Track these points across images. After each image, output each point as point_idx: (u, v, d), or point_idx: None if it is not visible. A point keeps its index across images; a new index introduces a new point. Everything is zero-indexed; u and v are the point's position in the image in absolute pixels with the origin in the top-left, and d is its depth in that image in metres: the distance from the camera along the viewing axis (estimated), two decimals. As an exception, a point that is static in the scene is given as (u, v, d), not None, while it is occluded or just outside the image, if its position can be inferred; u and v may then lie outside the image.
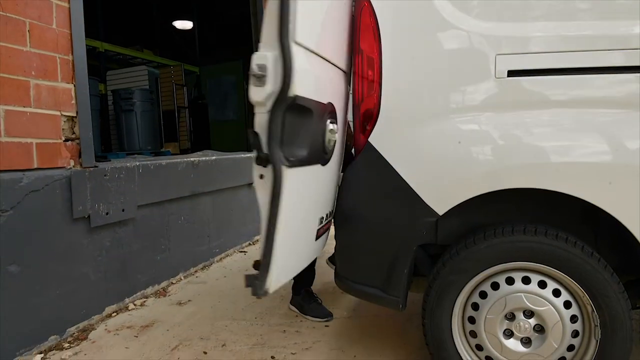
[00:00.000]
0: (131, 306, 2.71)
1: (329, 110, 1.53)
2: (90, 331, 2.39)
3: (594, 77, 1.46)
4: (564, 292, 1.53)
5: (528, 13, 1.52)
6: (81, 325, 2.43)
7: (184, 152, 7.10)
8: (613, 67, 1.45)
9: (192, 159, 3.36)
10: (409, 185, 1.56)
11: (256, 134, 1.28)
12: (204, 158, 3.51)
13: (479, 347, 1.61)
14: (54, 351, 2.18)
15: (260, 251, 1.38)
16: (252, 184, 3.92)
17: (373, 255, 1.67)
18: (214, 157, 3.65)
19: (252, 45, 5.09)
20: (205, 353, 2.13)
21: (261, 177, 1.31)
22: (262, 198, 1.33)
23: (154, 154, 5.86)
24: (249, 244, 4.23)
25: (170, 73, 7.20)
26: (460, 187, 1.53)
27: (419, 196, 1.56)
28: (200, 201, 3.51)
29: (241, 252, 4.00)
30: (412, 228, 1.60)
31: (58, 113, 2.35)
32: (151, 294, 2.91)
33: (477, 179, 1.50)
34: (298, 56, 1.28)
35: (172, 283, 3.12)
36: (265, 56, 1.25)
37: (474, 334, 1.61)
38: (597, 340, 1.49)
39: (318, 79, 1.46)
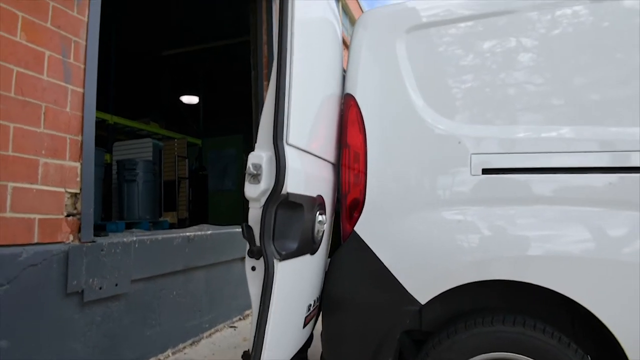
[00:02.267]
0: (116, 384, 2.66)
1: (318, 202, 1.64)
2: (72, 411, 2.34)
3: (561, 176, 1.59)
4: (544, 383, 1.55)
5: (500, 117, 1.68)
6: (64, 404, 2.38)
7: (181, 221, 7.18)
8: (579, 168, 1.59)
9: (188, 233, 3.43)
10: (392, 274, 1.64)
11: (249, 228, 1.38)
12: (199, 232, 3.59)
13: None
14: None
15: (251, 343, 1.42)
16: (244, 257, 3.94)
17: (358, 342, 1.70)
18: (209, 232, 3.73)
19: (252, 121, 5.34)
20: None
21: (253, 269, 1.39)
22: (253, 289, 1.40)
23: (152, 224, 5.93)
24: (239, 319, 4.19)
25: (174, 145, 7.48)
26: (440, 278, 1.60)
27: (401, 285, 1.63)
28: (194, 275, 3.53)
29: (231, 327, 3.95)
30: (395, 316, 1.65)
31: (63, 190, 2.46)
32: (138, 372, 2.86)
33: (457, 270, 1.58)
34: (290, 156, 1.41)
35: (159, 359, 3.08)
36: (260, 156, 1.38)
37: None
38: None
39: (308, 175, 1.58)
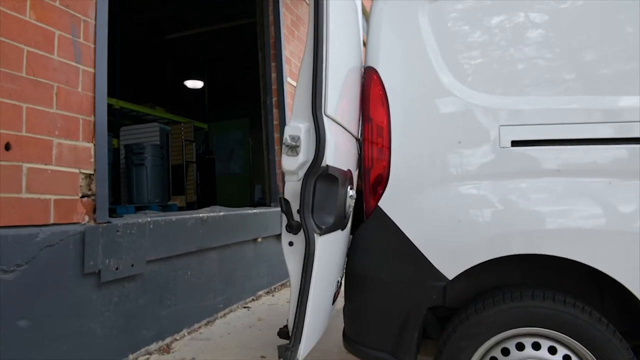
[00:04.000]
0: (134, 364, 2.67)
1: (349, 177, 1.61)
2: (93, 390, 2.35)
3: (591, 147, 1.54)
4: (574, 358, 1.53)
5: (531, 88, 1.63)
6: (84, 383, 2.39)
7: (190, 205, 7.18)
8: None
9: (201, 214, 3.42)
10: (419, 250, 1.61)
11: (287, 202, 1.35)
12: (212, 214, 3.57)
13: (491, 415, 1.59)
14: (55, 411, 2.14)
15: (291, 319, 1.39)
16: (257, 239, 3.95)
17: (384, 318, 1.68)
18: (222, 213, 3.71)
19: (259, 104, 5.28)
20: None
21: (290, 244, 1.37)
22: (292, 265, 1.37)
23: (161, 207, 5.93)
24: (252, 299, 4.20)
25: (180, 129, 7.44)
26: (469, 253, 1.57)
27: (428, 260, 1.60)
28: (207, 256, 3.53)
29: (245, 307, 3.97)
30: (422, 291, 1.62)
31: (77, 170, 2.44)
32: (155, 351, 2.87)
33: (486, 245, 1.55)
34: (327, 128, 1.37)
35: (175, 339, 3.09)
36: (298, 127, 1.34)
37: (485, 401, 1.59)
38: (609, 409, 1.47)
39: (339, 148, 1.55)
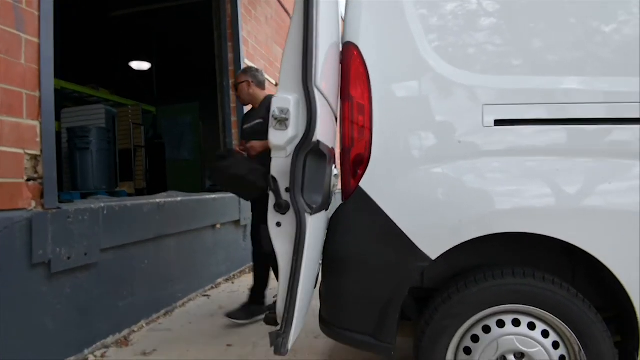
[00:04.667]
0: (91, 358, 2.50)
1: (333, 154, 1.54)
2: (45, 389, 2.17)
3: (573, 127, 1.57)
4: (552, 333, 1.57)
5: (514, 67, 1.63)
6: (35, 382, 2.20)
7: (139, 191, 6.84)
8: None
9: (158, 200, 3.23)
10: (402, 231, 1.58)
11: (275, 180, 1.26)
12: (169, 199, 3.39)
13: (472, 391, 1.60)
14: (3, 414, 1.95)
15: (281, 304, 1.31)
16: (216, 225, 3.79)
17: (364, 301, 1.64)
18: (179, 199, 3.54)
19: (209, 88, 5.08)
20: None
21: (278, 224, 1.28)
22: (281, 248, 1.29)
23: (109, 194, 5.60)
24: (212, 287, 4.07)
25: (128, 112, 7.03)
26: (451, 233, 1.56)
27: (411, 241, 1.57)
28: (165, 244, 3.36)
29: (204, 296, 3.83)
30: (405, 273, 1.60)
31: (22, 151, 2.21)
32: (112, 344, 2.70)
33: (469, 224, 1.54)
34: (317, 100, 1.29)
35: (133, 331, 2.92)
36: (287, 99, 1.26)
37: (466, 379, 1.60)
38: (585, 379, 1.52)
39: (325, 123, 1.47)
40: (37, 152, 2.30)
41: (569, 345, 1.56)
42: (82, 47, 8.24)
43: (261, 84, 3.18)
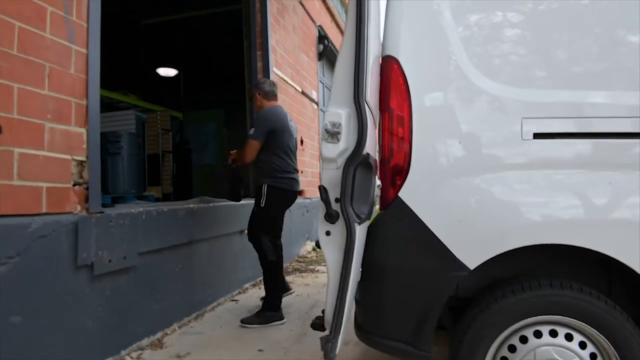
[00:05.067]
0: (127, 359, 2.58)
1: (377, 165, 1.59)
2: (87, 387, 2.25)
3: (611, 141, 1.59)
4: (589, 345, 1.58)
5: (554, 81, 1.66)
6: (78, 380, 2.29)
7: (166, 196, 6.99)
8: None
9: (191, 205, 3.33)
10: (441, 241, 1.61)
11: (325, 190, 1.31)
12: (202, 205, 3.48)
13: (509, 402, 1.62)
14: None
15: (330, 310, 1.37)
16: (243, 231, 3.92)
17: (403, 309, 1.68)
18: (211, 204, 3.63)
19: (234, 95, 5.20)
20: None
21: (328, 233, 1.34)
22: (330, 255, 1.34)
23: (137, 198, 5.74)
24: (239, 292, 4.14)
25: (157, 118, 7.21)
26: (490, 243, 1.59)
27: (450, 251, 1.60)
28: (197, 248, 3.44)
29: (233, 300, 3.90)
30: (443, 282, 1.63)
31: (69, 157, 2.32)
32: (147, 346, 2.78)
33: (508, 235, 1.57)
34: (367, 114, 1.34)
35: (167, 334, 3.00)
36: (339, 114, 1.32)
37: (504, 389, 1.62)
38: (623, 391, 1.53)
39: (370, 135, 1.53)
40: (83, 158, 2.40)
41: (606, 356, 1.57)
42: (113, 53, 8.48)
43: (267, 95, 3.42)
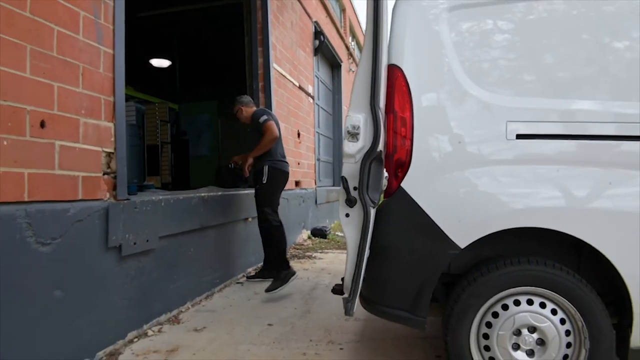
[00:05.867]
0: (150, 332, 2.84)
1: (385, 160, 1.88)
2: (118, 355, 2.52)
3: (583, 142, 1.89)
4: (559, 311, 1.89)
5: (534, 90, 1.96)
6: (108, 349, 2.55)
7: (164, 185, 7.20)
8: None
9: (203, 194, 3.58)
10: (437, 224, 1.90)
11: (346, 180, 1.60)
12: (212, 193, 3.74)
13: (492, 360, 1.93)
14: (89, 373, 2.30)
15: (349, 277, 1.65)
16: (247, 219, 4.27)
17: (404, 282, 1.97)
18: (219, 193, 3.88)
19: (228, 87, 5.42)
20: (236, 373, 2.31)
21: (347, 215, 1.62)
22: (349, 233, 1.63)
23: (139, 187, 5.94)
24: (243, 276, 4.41)
25: (155, 109, 7.40)
26: (479, 226, 1.88)
27: (445, 233, 1.90)
28: (207, 234, 3.71)
29: (238, 283, 4.18)
30: (439, 259, 1.93)
31: (100, 149, 2.55)
32: (165, 321, 3.05)
33: (493, 219, 1.87)
34: (381, 118, 1.62)
35: (182, 311, 3.27)
36: (358, 118, 1.59)
37: (487, 348, 1.93)
38: (586, 350, 1.85)
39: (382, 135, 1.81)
40: (112, 150, 2.64)
41: (573, 321, 1.88)
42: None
43: (248, 104, 4.11)
